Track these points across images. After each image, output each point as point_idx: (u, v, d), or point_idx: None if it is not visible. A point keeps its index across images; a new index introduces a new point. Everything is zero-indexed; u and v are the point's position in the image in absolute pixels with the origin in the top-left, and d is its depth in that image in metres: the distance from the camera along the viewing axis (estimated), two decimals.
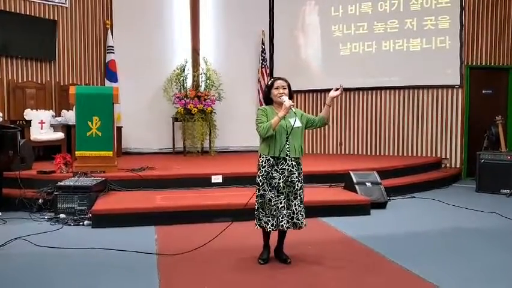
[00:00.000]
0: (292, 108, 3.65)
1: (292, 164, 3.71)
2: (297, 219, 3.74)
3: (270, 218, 3.69)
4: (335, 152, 9.63)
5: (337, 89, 3.76)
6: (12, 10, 7.87)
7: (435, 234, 4.77)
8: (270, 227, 3.70)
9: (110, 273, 3.58)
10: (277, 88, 3.72)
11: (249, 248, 4.04)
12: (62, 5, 8.58)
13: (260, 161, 3.74)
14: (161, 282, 3.38)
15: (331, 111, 9.36)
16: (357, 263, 3.86)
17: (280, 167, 3.68)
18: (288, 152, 3.69)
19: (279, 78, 3.80)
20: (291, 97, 3.76)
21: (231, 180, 6.37)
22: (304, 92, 9.57)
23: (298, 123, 3.73)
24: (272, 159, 3.68)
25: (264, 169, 3.70)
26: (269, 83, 3.83)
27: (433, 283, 3.34)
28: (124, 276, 3.52)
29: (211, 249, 3.97)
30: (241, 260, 3.88)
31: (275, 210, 3.67)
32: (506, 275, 3.57)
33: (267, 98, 3.81)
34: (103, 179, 5.91)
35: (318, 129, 9.40)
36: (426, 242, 4.49)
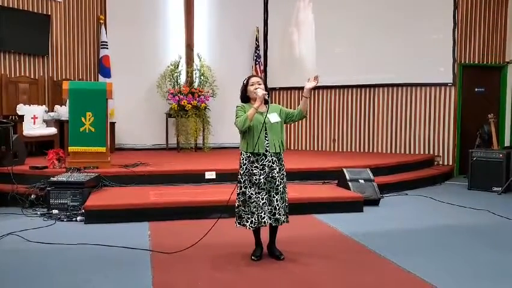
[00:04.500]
0: (266, 97, 3.70)
1: (272, 159, 3.72)
2: (279, 215, 3.73)
3: (249, 216, 3.70)
4: (328, 149, 9.66)
5: (314, 79, 3.81)
6: (5, 4, 7.80)
7: (427, 231, 4.80)
8: (249, 225, 3.70)
9: (103, 269, 3.57)
10: (252, 84, 3.80)
11: (242, 244, 4.05)
12: None
13: (241, 158, 3.78)
14: (154, 278, 3.38)
15: (325, 107, 9.45)
16: (350, 259, 3.88)
17: (260, 163, 3.70)
18: (267, 148, 3.71)
19: (254, 76, 3.97)
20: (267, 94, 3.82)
21: (224, 177, 6.34)
22: (299, 88, 9.53)
23: (276, 118, 3.77)
24: (252, 156, 3.70)
25: (244, 166, 3.73)
26: (244, 81, 3.89)
27: (424, 279, 3.36)
28: (116, 272, 3.52)
29: (204, 246, 3.97)
30: (234, 256, 3.89)
31: (255, 207, 3.68)
32: (496, 272, 3.60)
33: (244, 96, 3.86)
34: (96, 174, 5.89)
35: (312, 126, 9.56)
36: (418, 239, 4.52)
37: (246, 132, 3.73)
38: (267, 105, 3.76)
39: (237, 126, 3.73)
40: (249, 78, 3.91)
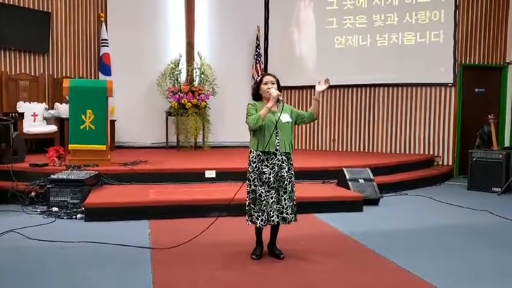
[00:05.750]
0: (280, 98, 3.68)
1: (282, 159, 3.74)
2: (287, 214, 3.75)
3: (259, 214, 3.70)
4: (328, 149, 9.66)
5: (324, 81, 3.82)
6: (6, 1, 7.80)
7: (426, 231, 4.80)
8: (260, 223, 3.71)
9: (103, 267, 3.57)
10: (266, 83, 3.77)
11: (242, 243, 4.05)
12: None
13: (251, 156, 3.77)
14: (154, 276, 3.38)
15: (325, 107, 9.44)
16: (349, 259, 3.89)
17: (270, 162, 3.71)
18: (278, 147, 3.71)
19: (268, 74, 3.89)
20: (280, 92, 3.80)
21: (224, 175, 6.37)
22: (299, 88, 9.56)
23: (287, 118, 3.77)
24: (262, 154, 3.70)
25: (254, 164, 3.72)
26: (258, 79, 3.88)
27: (424, 279, 3.37)
28: (116, 270, 3.52)
29: (205, 244, 3.98)
30: (234, 255, 3.89)
31: (265, 206, 3.69)
32: (495, 272, 3.60)
33: (256, 94, 3.84)
34: (96, 172, 5.89)
35: (312, 125, 9.55)
36: (418, 239, 4.53)
37: (257, 131, 3.71)
38: (281, 105, 3.73)
39: (248, 124, 3.72)
40: (262, 76, 3.88)
